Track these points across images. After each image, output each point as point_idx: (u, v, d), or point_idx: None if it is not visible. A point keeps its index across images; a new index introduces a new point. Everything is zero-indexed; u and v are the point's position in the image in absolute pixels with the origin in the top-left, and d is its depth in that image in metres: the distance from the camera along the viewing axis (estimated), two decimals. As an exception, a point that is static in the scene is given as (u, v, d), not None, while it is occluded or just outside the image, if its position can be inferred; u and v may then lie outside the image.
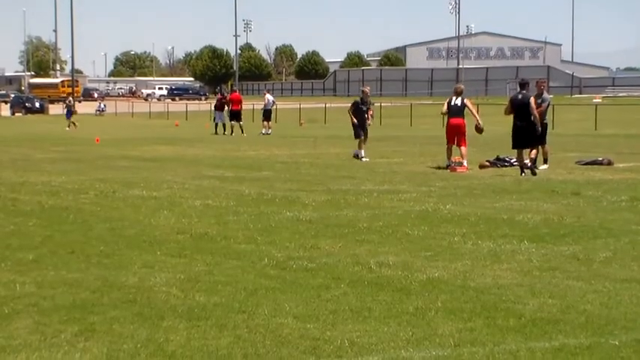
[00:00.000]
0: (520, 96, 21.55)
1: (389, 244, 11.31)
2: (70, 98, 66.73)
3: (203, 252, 10.78)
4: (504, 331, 7.17)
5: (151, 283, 9.11)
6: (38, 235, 12.22)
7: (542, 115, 22.28)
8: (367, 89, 27.69)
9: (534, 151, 21.45)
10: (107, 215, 14.12)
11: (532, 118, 21.14)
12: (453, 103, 23.31)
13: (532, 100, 21.49)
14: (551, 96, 23.26)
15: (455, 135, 23.18)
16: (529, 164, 21.15)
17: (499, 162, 23.36)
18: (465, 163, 22.34)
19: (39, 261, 10.34)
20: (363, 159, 25.92)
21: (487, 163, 23.09)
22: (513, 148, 21.54)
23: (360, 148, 26.48)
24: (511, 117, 21.93)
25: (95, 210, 14.80)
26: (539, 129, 21.46)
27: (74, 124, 55.74)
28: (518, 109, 21.42)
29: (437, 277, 9.25)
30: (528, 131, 21.18)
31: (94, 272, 9.68)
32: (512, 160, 23.25)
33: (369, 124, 27.23)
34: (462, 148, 22.92)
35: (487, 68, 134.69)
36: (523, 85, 22.04)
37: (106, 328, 7.35)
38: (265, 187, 18.01)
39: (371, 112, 27.75)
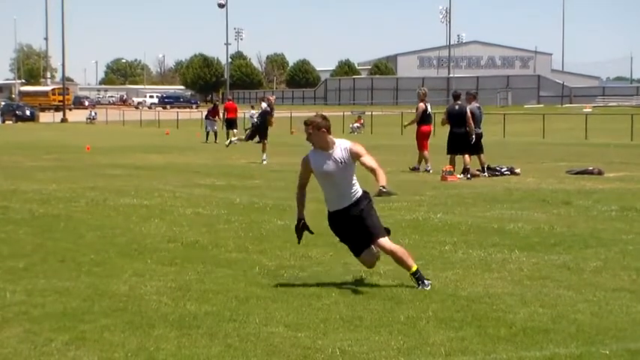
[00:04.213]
0: (457, 107, 23.36)
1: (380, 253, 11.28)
2: None
3: (194, 260, 10.77)
4: (495, 341, 7.18)
5: (141, 291, 9.11)
6: (29, 243, 12.21)
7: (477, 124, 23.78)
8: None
9: (468, 158, 22.91)
10: (98, 223, 14.10)
11: (467, 127, 22.92)
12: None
13: (468, 110, 23.13)
14: (477, 105, 23.94)
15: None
16: (469, 170, 22.65)
17: (490, 171, 23.40)
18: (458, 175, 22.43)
19: (29, 269, 10.32)
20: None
21: (477, 173, 23.12)
22: (448, 153, 23.26)
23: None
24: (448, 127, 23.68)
25: (86, 218, 14.78)
26: (473, 137, 23.09)
27: None
28: (455, 118, 23.16)
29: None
30: (464, 138, 22.94)
31: (85, 280, 9.68)
32: (503, 170, 23.34)
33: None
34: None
35: (478, 77, 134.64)
36: (457, 96, 23.99)
37: (97, 336, 7.34)
38: (256, 196, 18.00)
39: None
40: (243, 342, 7.17)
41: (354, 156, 9.23)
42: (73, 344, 7.13)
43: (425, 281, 9.15)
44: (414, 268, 9.19)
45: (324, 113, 9.58)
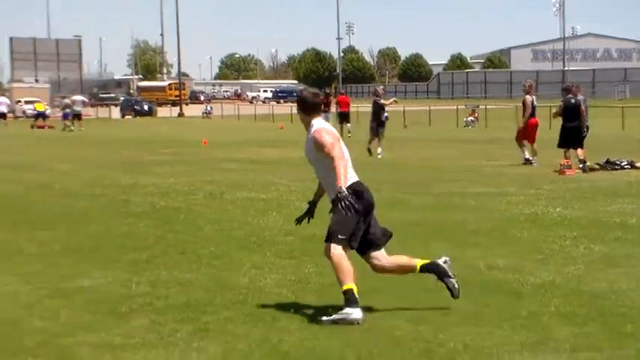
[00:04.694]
0: (573, 100, 23.08)
1: (498, 247, 11.20)
2: (72, 98, 56.66)
3: (312, 253, 10.81)
4: (622, 337, 7.03)
5: (261, 284, 9.21)
6: (150, 235, 12.48)
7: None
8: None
9: (581, 152, 22.56)
10: (216, 216, 14.31)
11: (580, 120, 22.80)
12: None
13: (582, 103, 23.00)
14: (582, 97, 23.59)
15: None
16: (585, 162, 22.26)
17: (609, 165, 22.90)
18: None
19: (151, 261, 10.55)
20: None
21: (596, 166, 22.68)
22: (560, 147, 23.02)
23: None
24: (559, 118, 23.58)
25: (205, 211, 15.02)
26: (585, 131, 23.04)
27: (69, 127, 53.40)
28: (570, 112, 22.99)
29: (549, 281, 9.13)
30: (576, 132, 22.79)
31: (205, 273, 9.83)
32: (623, 164, 22.81)
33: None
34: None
35: (594, 70, 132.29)
36: (569, 90, 23.74)
37: (220, 327, 7.45)
38: (371, 189, 17.93)
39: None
40: (365, 334, 7.19)
41: (317, 146, 8.05)
42: (197, 335, 7.26)
43: (351, 309, 7.55)
44: (346, 286, 7.69)
45: (315, 90, 8.68)
